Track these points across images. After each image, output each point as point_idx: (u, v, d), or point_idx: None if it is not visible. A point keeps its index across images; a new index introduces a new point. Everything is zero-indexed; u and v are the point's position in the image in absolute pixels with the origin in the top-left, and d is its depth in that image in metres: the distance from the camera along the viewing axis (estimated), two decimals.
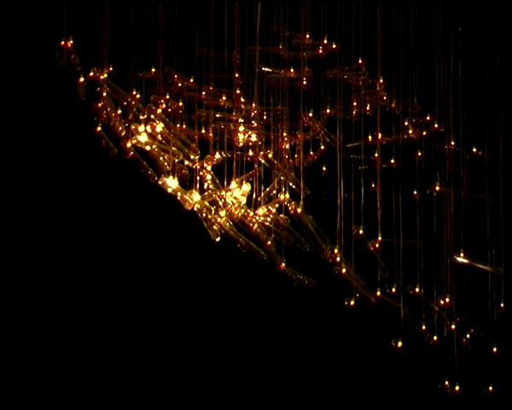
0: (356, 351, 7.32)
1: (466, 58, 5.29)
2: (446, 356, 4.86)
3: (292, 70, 5.78)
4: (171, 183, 5.24)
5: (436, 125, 5.80)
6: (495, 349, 5.02)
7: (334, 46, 5.74)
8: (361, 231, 4.99)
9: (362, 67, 5.81)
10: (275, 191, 5.38)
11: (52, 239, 7.47)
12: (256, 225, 5.24)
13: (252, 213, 5.29)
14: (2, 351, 6.90)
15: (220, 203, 5.45)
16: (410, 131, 5.88)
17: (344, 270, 4.85)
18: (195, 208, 5.41)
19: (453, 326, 4.96)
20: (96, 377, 7.03)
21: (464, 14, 5.41)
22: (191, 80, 6.03)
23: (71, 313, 7.44)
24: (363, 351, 6.70)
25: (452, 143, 5.52)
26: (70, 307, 7.46)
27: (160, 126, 5.63)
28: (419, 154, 5.77)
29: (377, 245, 4.99)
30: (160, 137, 5.66)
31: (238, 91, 5.86)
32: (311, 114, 5.87)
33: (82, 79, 5.51)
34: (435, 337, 4.96)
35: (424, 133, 5.91)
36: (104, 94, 5.51)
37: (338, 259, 4.88)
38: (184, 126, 5.90)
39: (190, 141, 5.73)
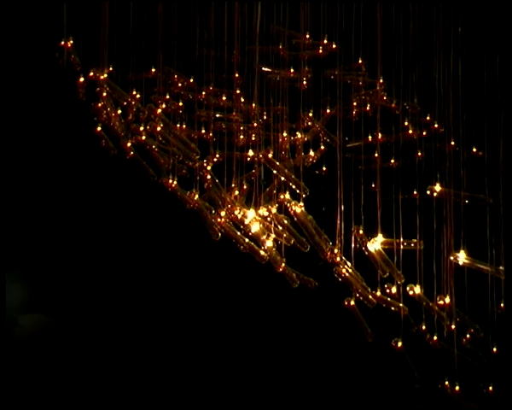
0: (356, 351, 7.32)
1: (466, 58, 5.29)
2: (446, 356, 4.86)
3: (292, 70, 5.78)
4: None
5: (436, 125, 5.80)
6: (495, 349, 5.01)
7: (334, 46, 5.73)
8: (361, 231, 4.99)
9: (362, 67, 5.81)
10: (275, 191, 5.38)
11: (52, 237, 7.47)
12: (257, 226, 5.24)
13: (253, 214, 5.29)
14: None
15: (220, 203, 5.45)
16: (410, 131, 5.88)
17: (344, 270, 4.85)
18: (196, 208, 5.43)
19: (453, 326, 4.95)
20: (95, 376, 7.02)
21: (464, 14, 5.40)
22: (191, 80, 6.04)
23: (71, 310, 7.44)
24: (363, 351, 6.69)
25: (452, 143, 5.51)
26: (71, 304, 7.46)
27: (159, 126, 5.64)
28: (419, 154, 5.78)
29: (378, 246, 4.98)
30: (160, 137, 5.66)
31: (238, 91, 5.86)
32: (311, 114, 5.87)
33: (82, 79, 5.51)
34: (435, 337, 4.96)
35: (424, 133, 5.91)
36: (104, 94, 5.51)
37: (338, 259, 4.87)
38: (184, 126, 5.91)
39: (190, 141, 5.73)
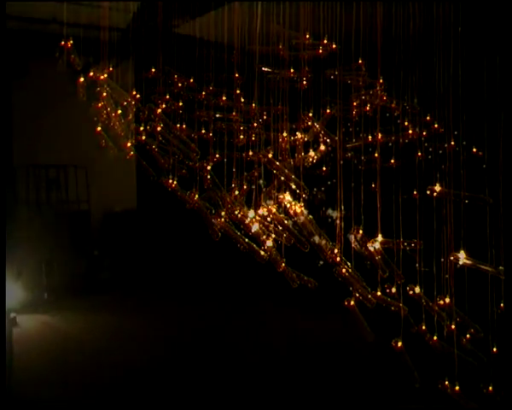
0: (356, 351, 7.33)
1: (466, 58, 5.28)
2: (446, 356, 4.85)
3: (292, 70, 5.78)
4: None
5: (436, 125, 5.80)
6: (495, 349, 5.00)
7: (334, 46, 5.73)
8: (361, 231, 4.98)
9: (362, 67, 5.81)
10: (275, 191, 5.38)
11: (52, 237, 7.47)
12: (256, 226, 5.24)
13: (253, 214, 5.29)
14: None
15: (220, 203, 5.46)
16: (410, 131, 5.88)
17: (344, 270, 4.84)
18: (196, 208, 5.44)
19: (453, 326, 4.95)
20: (94, 375, 7.03)
21: (464, 14, 5.40)
22: (191, 80, 6.05)
23: (70, 309, 7.45)
24: (363, 351, 6.70)
25: (452, 142, 5.51)
26: (70, 303, 7.47)
27: (159, 126, 5.65)
28: (419, 154, 5.78)
29: (377, 245, 4.97)
30: (160, 137, 5.67)
31: (238, 91, 5.87)
32: (311, 114, 5.87)
33: (82, 79, 5.51)
34: (435, 337, 4.96)
35: (424, 133, 5.91)
36: (104, 94, 5.52)
37: (338, 259, 4.87)
38: (184, 126, 5.92)
39: (190, 141, 5.74)
